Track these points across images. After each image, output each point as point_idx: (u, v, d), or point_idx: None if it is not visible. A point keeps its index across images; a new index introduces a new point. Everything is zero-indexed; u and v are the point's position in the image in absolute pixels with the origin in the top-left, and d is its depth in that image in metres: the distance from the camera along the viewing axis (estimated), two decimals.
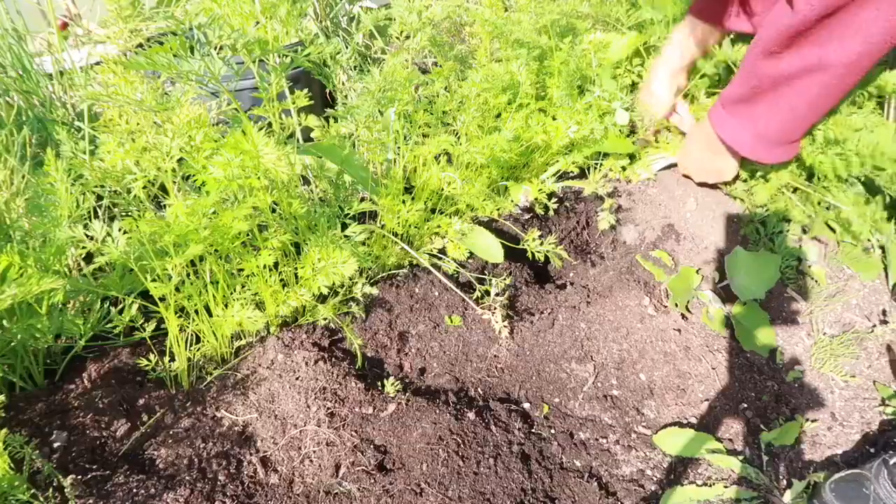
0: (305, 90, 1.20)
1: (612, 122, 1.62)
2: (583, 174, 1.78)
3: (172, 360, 1.18)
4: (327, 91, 1.97)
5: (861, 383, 1.38)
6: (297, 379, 1.18)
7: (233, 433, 1.10)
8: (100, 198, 1.34)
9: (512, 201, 1.52)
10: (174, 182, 1.06)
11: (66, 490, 0.93)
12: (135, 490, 0.99)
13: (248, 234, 1.12)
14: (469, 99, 1.33)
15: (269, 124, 1.13)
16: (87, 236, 1.08)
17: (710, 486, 1.14)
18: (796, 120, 1.30)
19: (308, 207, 1.30)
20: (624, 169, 1.67)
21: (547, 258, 1.68)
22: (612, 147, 1.63)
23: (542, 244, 1.40)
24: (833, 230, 1.71)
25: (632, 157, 1.73)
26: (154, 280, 1.04)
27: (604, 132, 1.59)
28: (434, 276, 1.42)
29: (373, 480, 1.06)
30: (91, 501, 0.96)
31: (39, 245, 1.10)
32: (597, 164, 1.72)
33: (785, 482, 1.18)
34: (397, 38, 1.46)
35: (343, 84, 1.93)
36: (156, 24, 1.54)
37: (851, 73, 1.15)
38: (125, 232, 1.03)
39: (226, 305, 1.15)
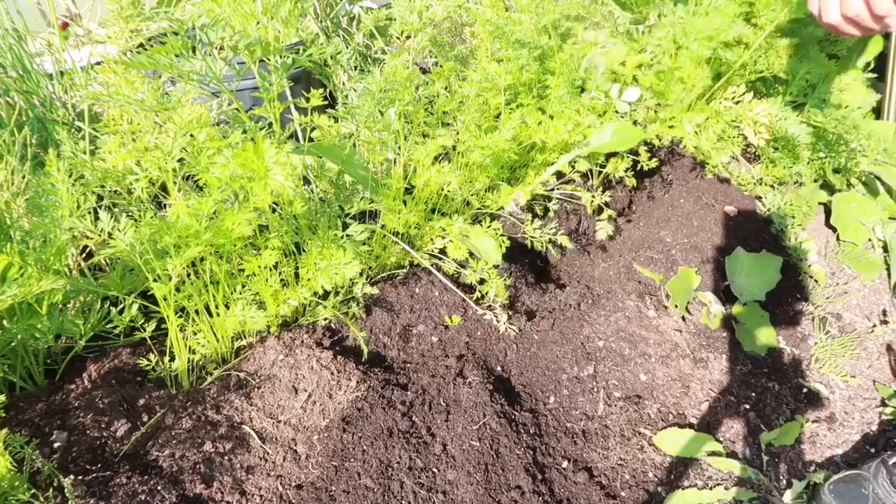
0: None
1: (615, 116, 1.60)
2: (587, 177, 1.77)
3: (173, 359, 1.17)
4: (328, 91, 1.97)
5: (861, 383, 1.38)
6: (297, 379, 1.18)
7: (234, 433, 1.10)
8: (100, 198, 1.34)
9: (502, 207, 1.51)
10: (175, 182, 1.06)
11: (66, 490, 0.93)
12: (136, 490, 0.99)
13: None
14: (469, 99, 1.33)
15: (270, 124, 1.13)
16: (87, 235, 1.07)
17: (711, 488, 1.14)
18: None
19: (309, 207, 1.30)
20: (627, 170, 1.67)
21: (547, 259, 1.68)
22: (617, 143, 1.61)
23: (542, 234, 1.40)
24: (834, 229, 1.71)
25: (635, 161, 1.73)
26: (155, 280, 1.04)
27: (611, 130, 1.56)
28: (434, 276, 1.42)
29: (374, 481, 1.06)
30: (92, 502, 0.96)
31: (40, 245, 1.10)
32: (601, 170, 1.72)
33: (785, 482, 1.18)
34: (398, 38, 1.45)
35: (343, 84, 1.93)
36: (156, 24, 1.54)
37: None
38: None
39: (227, 306, 1.15)
